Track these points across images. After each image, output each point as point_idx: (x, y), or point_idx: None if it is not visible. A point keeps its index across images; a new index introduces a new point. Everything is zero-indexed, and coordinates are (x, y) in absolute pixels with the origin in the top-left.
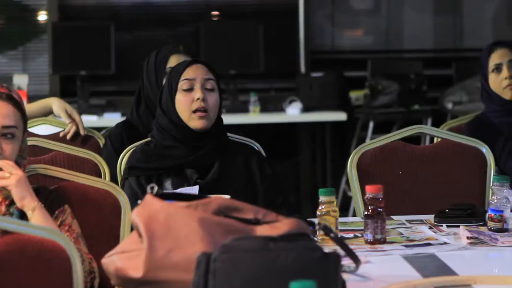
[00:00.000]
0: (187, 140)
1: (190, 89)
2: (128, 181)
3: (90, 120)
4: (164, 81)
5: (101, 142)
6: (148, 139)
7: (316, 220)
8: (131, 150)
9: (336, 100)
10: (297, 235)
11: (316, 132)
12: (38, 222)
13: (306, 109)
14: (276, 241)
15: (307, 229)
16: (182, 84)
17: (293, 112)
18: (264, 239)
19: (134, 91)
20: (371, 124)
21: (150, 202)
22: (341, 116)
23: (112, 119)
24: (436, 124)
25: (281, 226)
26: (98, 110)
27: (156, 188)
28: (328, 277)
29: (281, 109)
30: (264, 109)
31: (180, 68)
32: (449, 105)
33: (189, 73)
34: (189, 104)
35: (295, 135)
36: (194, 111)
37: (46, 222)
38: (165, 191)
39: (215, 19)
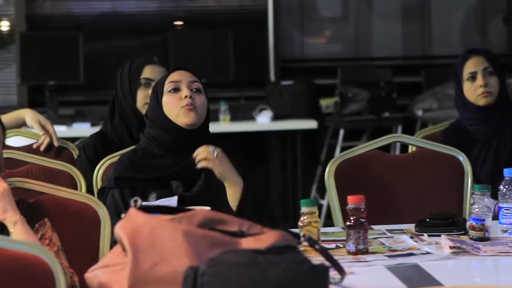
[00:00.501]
0: (178, 141)
1: (176, 90)
2: (112, 191)
3: (59, 130)
4: (138, 92)
5: (75, 153)
6: (132, 147)
7: (298, 231)
8: (107, 161)
9: (306, 108)
10: (284, 247)
11: (287, 140)
12: (20, 236)
13: (276, 117)
14: (264, 254)
15: (292, 241)
16: (168, 87)
17: (264, 121)
18: (252, 253)
19: (103, 101)
20: (341, 132)
21: (133, 215)
22: (311, 124)
23: (82, 129)
24: (407, 131)
25: (266, 238)
26: (67, 120)
27: (139, 201)
28: None
29: (251, 118)
30: (234, 118)
31: (164, 76)
32: (419, 112)
33: (174, 76)
34: (177, 102)
35: (265, 144)
36: (182, 107)
37: (28, 236)
38: (148, 203)
39: (183, 28)
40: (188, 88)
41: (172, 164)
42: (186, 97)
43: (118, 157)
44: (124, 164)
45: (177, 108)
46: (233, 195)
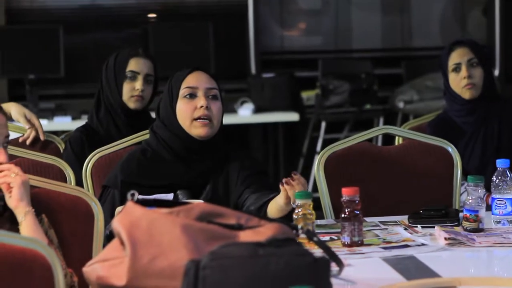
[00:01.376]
0: (189, 151)
1: (192, 96)
2: (113, 192)
3: None
4: (124, 85)
5: (61, 146)
6: (126, 140)
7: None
8: (96, 155)
9: (287, 100)
10: (284, 240)
11: (268, 132)
12: (29, 226)
13: (258, 110)
14: (265, 247)
15: (290, 234)
16: (184, 92)
17: (245, 113)
18: (252, 245)
19: (84, 94)
20: (323, 124)
21: (131, 209)
22: (293, 116)
23: (63, 122)
24: (388, 123)
25: (264, 231)
26: (48, 114)
27: (136, 195)
28: (319, 282)
29: (233, 110)
30: None
31: (180, 76)
32: (400, 104)
33: (190, 81)
34: (191, 111)
35: (247, 136)
36: (196, 119)
37: (37, 228)
38: (144, 197)
39: (163, 21)
40: (205, 96)
41: (180, 172)
42: (201, 107)
43: (126, 155)
44: (132, 166)
45: (190, 119)
46: (275, 213)
